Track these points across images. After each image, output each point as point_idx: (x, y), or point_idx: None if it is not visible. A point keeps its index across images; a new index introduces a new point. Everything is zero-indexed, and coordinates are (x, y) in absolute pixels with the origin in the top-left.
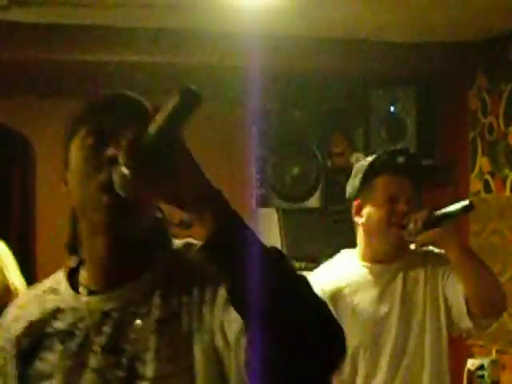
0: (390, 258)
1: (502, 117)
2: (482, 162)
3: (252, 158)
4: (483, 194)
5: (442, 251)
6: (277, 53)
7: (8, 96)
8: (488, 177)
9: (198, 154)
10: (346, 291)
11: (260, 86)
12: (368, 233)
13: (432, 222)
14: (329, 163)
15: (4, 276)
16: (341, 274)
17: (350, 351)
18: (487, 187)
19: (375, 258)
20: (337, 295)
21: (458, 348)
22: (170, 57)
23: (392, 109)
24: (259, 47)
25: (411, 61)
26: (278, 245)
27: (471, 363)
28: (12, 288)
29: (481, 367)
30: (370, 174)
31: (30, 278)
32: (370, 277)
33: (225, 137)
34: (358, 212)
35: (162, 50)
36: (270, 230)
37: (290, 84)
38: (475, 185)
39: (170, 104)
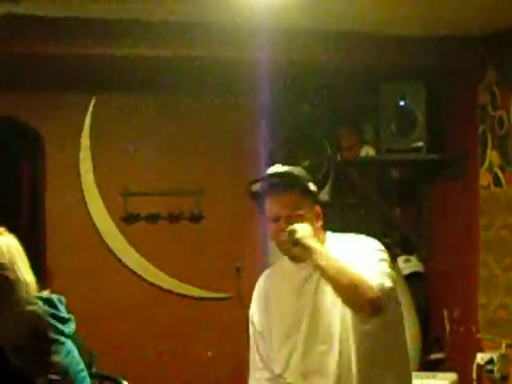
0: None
1: None
2: (492, 156)
3: (261, 151)
4: (493, 188)
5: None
6: (287, 47)
7: (19, 90)
8: (498, 170)
9: (207, 147)
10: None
11: (270, 79)
12: None
13: (292, 241)
14: (338, 157)
15: (15, 271)
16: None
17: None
18: (497, 181)
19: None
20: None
21: (468, 342)
22: (179, 50)
23: (402, 102)
24: (269, 41)
25: (421, 54)
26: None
27: (480, 357)
28: (23, 283)
29: (490, 361)
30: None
31: (39, 271)
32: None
33: (234, 130)
34: None
35: (172, 44)
36: None
37: (300, 78)
38: (485, 178)
39: None
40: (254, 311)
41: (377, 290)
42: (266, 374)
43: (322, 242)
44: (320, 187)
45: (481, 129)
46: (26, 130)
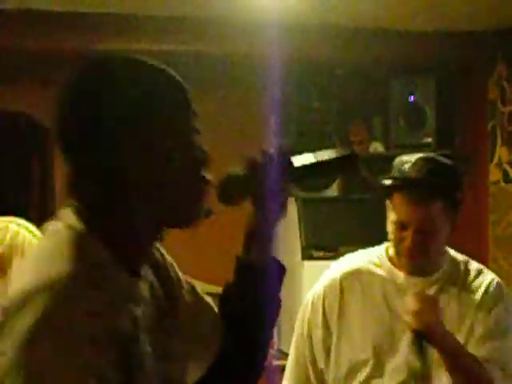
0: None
1: None
2: (502, 152)
3: (270, 147)
4: (502, 184)
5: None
6: (296, 42)
7: (25, 85)
8: (507, 166)
9: (216, 142)
10: None
11: (279, 74)
12: None
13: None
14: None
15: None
16: None
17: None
18: (506, 177)
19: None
20: None
21: None
22: (190, 45)
23: (411, 98)
24: (279, 36)
25: (431, 49)
26: (297, 234)
27: None
28: None
29: None
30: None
31: None
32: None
33: (243, 126)
34: None
35: (181, 39)
36: (288, 220)
37: (309, 73)
38: (494, 174)
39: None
40: (319, 313)
41: None
42: None
43: (443, 259)
44: (329, 183)
45: (490, 124)
46: (34, 124)
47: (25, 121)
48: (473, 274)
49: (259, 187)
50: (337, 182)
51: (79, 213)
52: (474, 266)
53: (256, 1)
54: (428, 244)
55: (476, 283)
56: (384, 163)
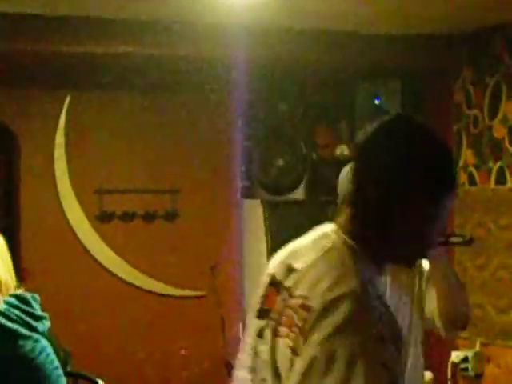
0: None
1: (487, 109)
2: (467, 155)
3: (237, 149)
4: (467, 187)
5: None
6: (262, 45)
7: None
8: (472, 169)
9: (182, 145)
10: None
11: (245, 77)
12: None
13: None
14: (314, 155)
15: None
16: None
17: None
18: (472, 179)
19: None
20: None
21: (443, 341)
22: (157, 48)
23: (377, 101)
24: (245, 39)
25: (396, 53)
26: (263, 236)
27: (455, 355)
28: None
29: (465, 359)
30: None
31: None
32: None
33: (210, 129)
34: None
35: (147, 42)
36: (254, 222)
37: (275, 76)
38: (460, 177)
39: None
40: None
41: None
42: None
43: None
44: (295, 185)
45: (456, 127)
46: (1, 128)
47: None
48: None
49: None
50: (302, 184)
51: (348, 233)
52: None
53: (222, 4)
54: None
55: None
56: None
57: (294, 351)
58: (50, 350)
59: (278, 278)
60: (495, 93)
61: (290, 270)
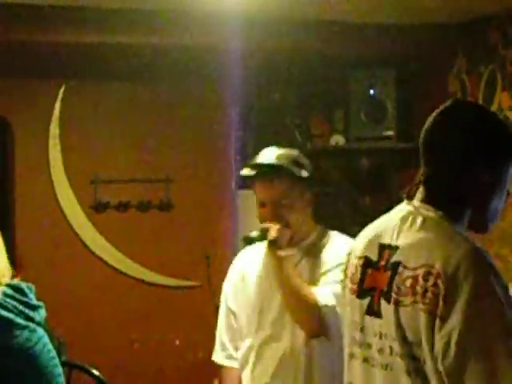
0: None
1: (481, 99)
2: None
3: (232, 139)
4: None
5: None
6: (257, 34)
7: None
8: None
9: (177, 135)
10: None
11: (240, 67)
12: None
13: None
14: (308, 145)
15: None
16: None
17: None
18: None
19: None
20: None
21: None
22: (148, 38)
23: (372, 91)
24: (239, 28)
25: (391, 43)
26: (258, 227)
27: None
28: None
29: None
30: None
31: (8, 260)
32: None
33: (205, 118)
34: None
35: (140, 31)
36: (249, 212)
37: (270, 65)
38: None
39: None
40: (228, 286)
41: (318, 320)
42: (230, 350)
43: (310, 230)
44: None
45: None
46: None
47: None
48: (332, 242)
49: None
50: None
51: (433, 207)
52: (340, 238)
53: None
54: (286, 216)
55: (329, 248)
56: (345, 156)
57: (432, 313)
58: (46, 339)
59: (374, 258)
60: (490, 83)
61: (388, 248)
